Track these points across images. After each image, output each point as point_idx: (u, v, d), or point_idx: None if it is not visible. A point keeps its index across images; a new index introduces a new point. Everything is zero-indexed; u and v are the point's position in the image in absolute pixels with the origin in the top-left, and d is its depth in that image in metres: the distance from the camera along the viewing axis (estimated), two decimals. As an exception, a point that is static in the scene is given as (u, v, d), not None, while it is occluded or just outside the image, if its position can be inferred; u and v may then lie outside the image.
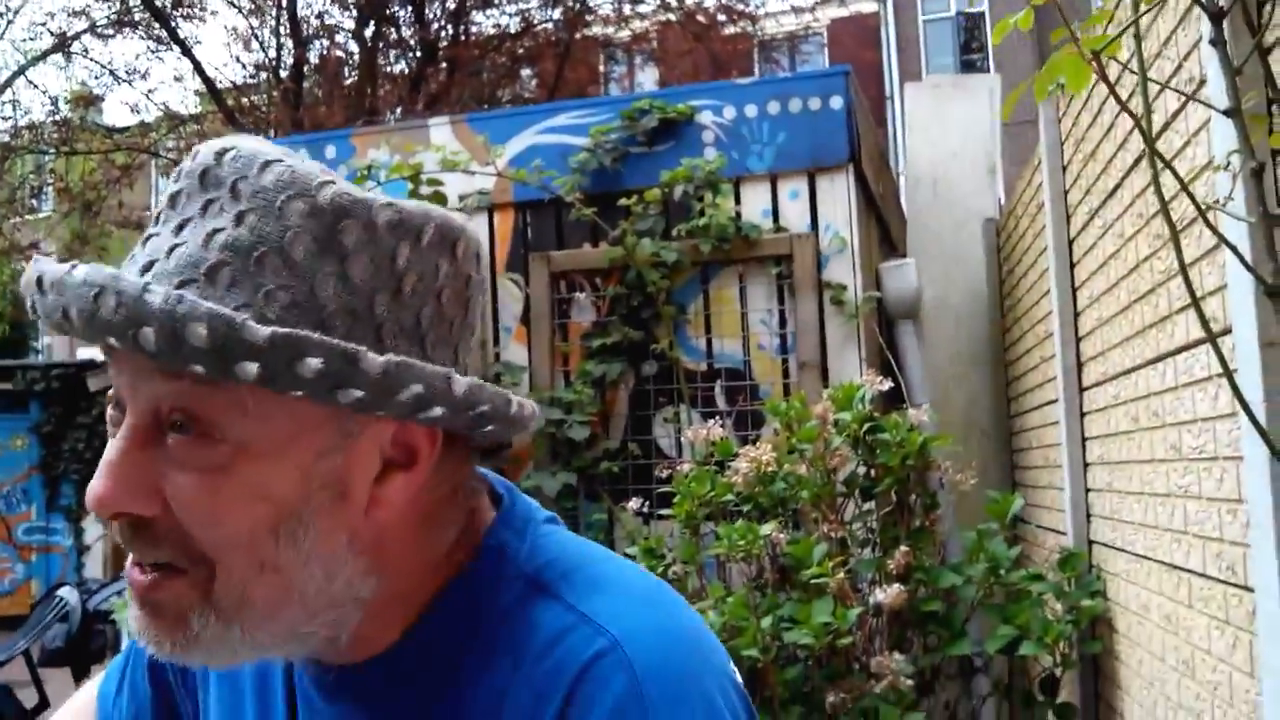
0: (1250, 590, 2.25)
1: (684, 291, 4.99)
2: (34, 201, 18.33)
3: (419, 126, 5.51)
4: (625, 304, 4.97)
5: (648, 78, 18.82)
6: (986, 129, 6.29)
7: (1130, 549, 3.29)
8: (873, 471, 3.80)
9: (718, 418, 4.24)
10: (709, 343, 4.98)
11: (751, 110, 4.98)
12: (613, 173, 4.99)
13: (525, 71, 15.93)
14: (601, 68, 18.84)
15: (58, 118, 15.77)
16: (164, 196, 0.91)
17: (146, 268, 0.86)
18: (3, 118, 16.29)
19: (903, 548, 3.61)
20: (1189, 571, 2.69)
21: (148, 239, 0.89)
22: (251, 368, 0.80)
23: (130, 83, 16.73)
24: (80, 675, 6.59)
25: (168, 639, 0.90)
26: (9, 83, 16.99)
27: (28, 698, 6.68)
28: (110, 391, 0.92)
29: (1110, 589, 3.64)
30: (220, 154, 0.89)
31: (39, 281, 0.85)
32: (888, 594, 3.44)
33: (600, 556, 1.02)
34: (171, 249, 0.86)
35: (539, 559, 0.99)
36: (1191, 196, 1.66)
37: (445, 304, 0.93)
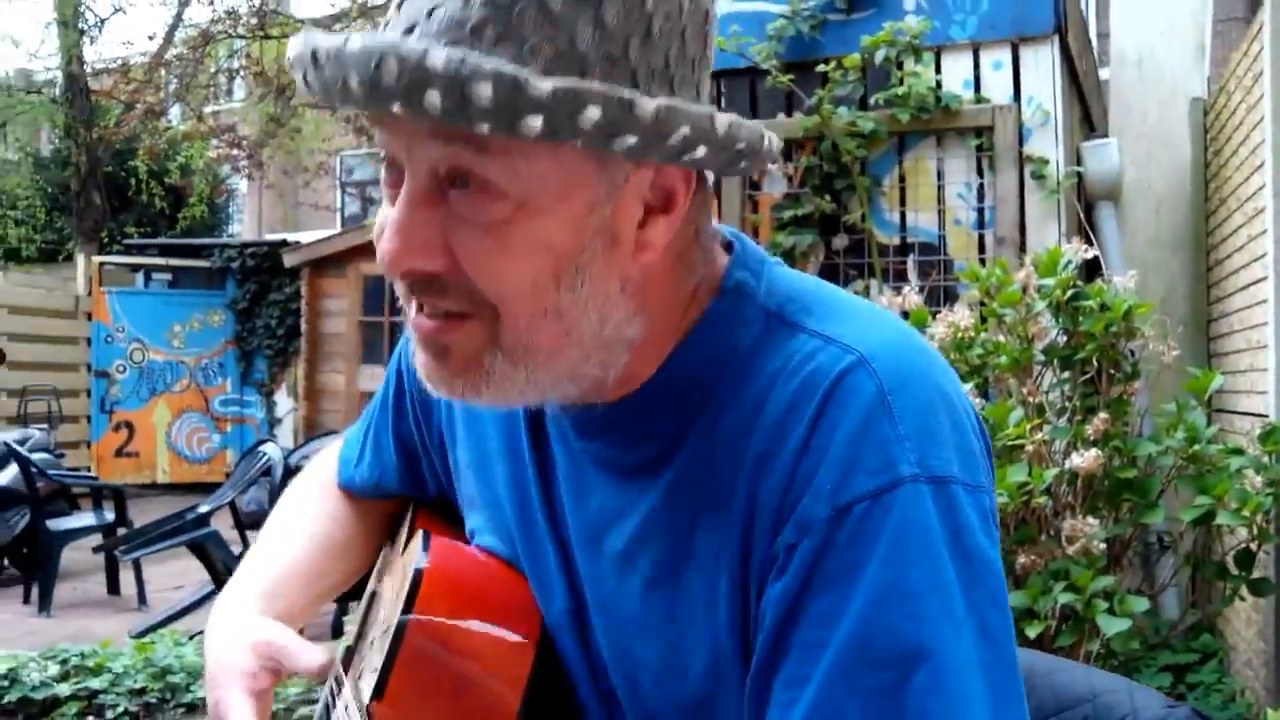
0: None
1: (879, 163, 4.95)
2: (234, 86, 18.94)
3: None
4: (818, 174, 4.95)
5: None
6: (1199, 5, 6.04)
7: (1343, 420, 3.21)
8: (1073, 340, 3.76)
9: (906, 289, 4.23)
10: (903, 216, 4.96)
11: (955, -22, 4.89)
12: (810, 40, 4.95)
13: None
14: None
15: (254, 4, 16.20)
16: None
17: (409, 30, 0.89)
18: (208, 4, 16.77)
19: (1101, 415, 3.57)
20: None
21: (400, 2, 0.92)
22: (535, 121, 0.83)
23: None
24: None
25: (459, 379, 0.97)
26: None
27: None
28: (382, 154, 0.96)
29: (1315, 463, 3.55)
30: None
31: (314, 55, 0.88)
32: (1084, 458, 3.43)
33: (831, 289, 1.07)
34: (430, 10, 0.88)
35: (777, 294, 1.05)
36: None
37: (688, 41, 0.95)
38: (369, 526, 1.46)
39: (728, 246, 1.09)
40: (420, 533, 1.22)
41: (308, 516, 1.43)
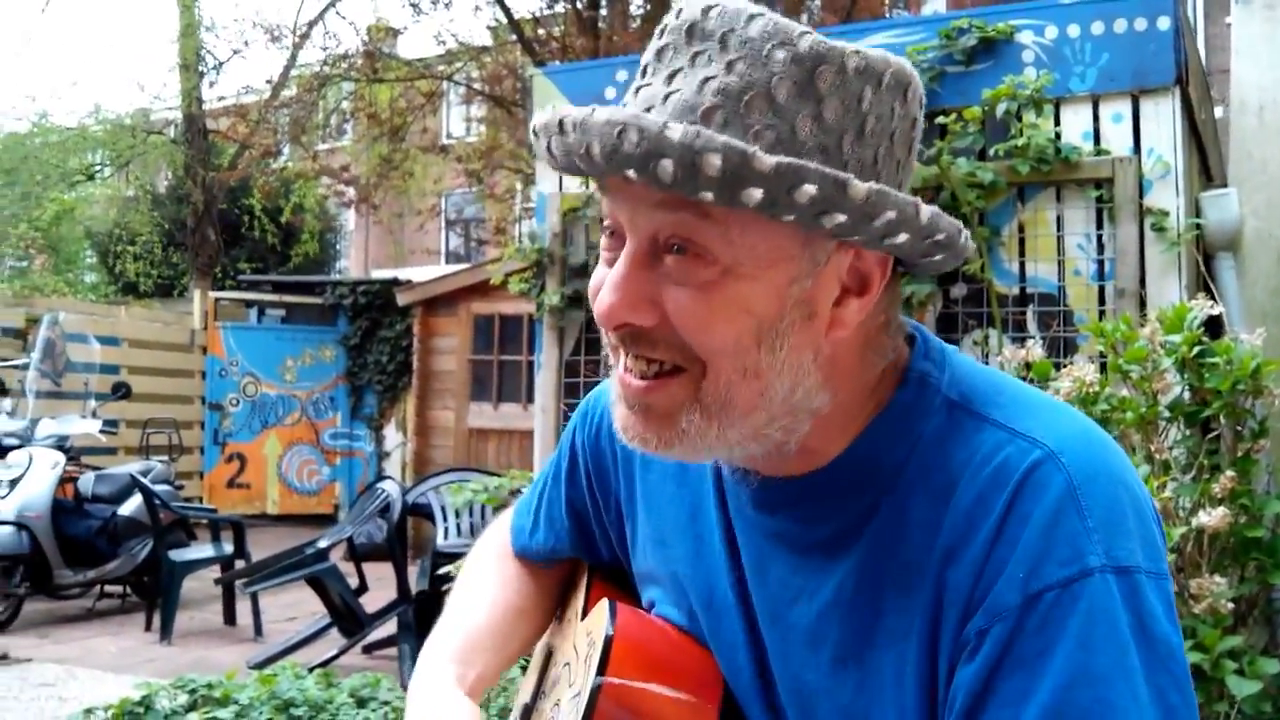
0: None
1: (998, 213, 4.96)
2: (347, 127, 19.39)
3: (735, 47, 5.60)
4: (936, 224, 4.96)
5: (939, 5, 18.41)
6: (1324, 53, 5.96)
7: None
8: (1198, 396, 3.74)
9: (1030, 342, 4.23)
10: (1022, 266, 4.95)
11: (1074, 30, 4.88)
12: (928, 92, 4.93)
13: (816, 2, 15.83)
14: (886, 1, 18.44)
15: (367, 47, 16.61)
16: (649, 52, 1.04)
17: (646, 110, 0.99)
18: (321, 48, 17.24)
19: (1229, 473, 3.55)
20: None
21: (638, 89, 1.02)
22: (756, 193, 0.92)
23: (430, 14, 17.43)
24: (399, 565, 7.08)
25: (655, 435, 1.06)
26: (322, 14, 17.99)
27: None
28: (605, 222, 1.06)
29: None
30: (706, 10, 1.00)
31: (560, 124, 0.98)
32: (1212, 516, 3.41)
33: (1012, 382, 1.13)
34: (666, 96, 0.98)
35: (960, 386, 1.11)
36: None
37: (896, 144, 1.04)
38: (545, 591, 1.54)
39: (909, 340, 1.16)
40: (606, 601, 1.28)
41: (490, 584, 1.51)
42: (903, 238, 1.00)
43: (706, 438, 1.05)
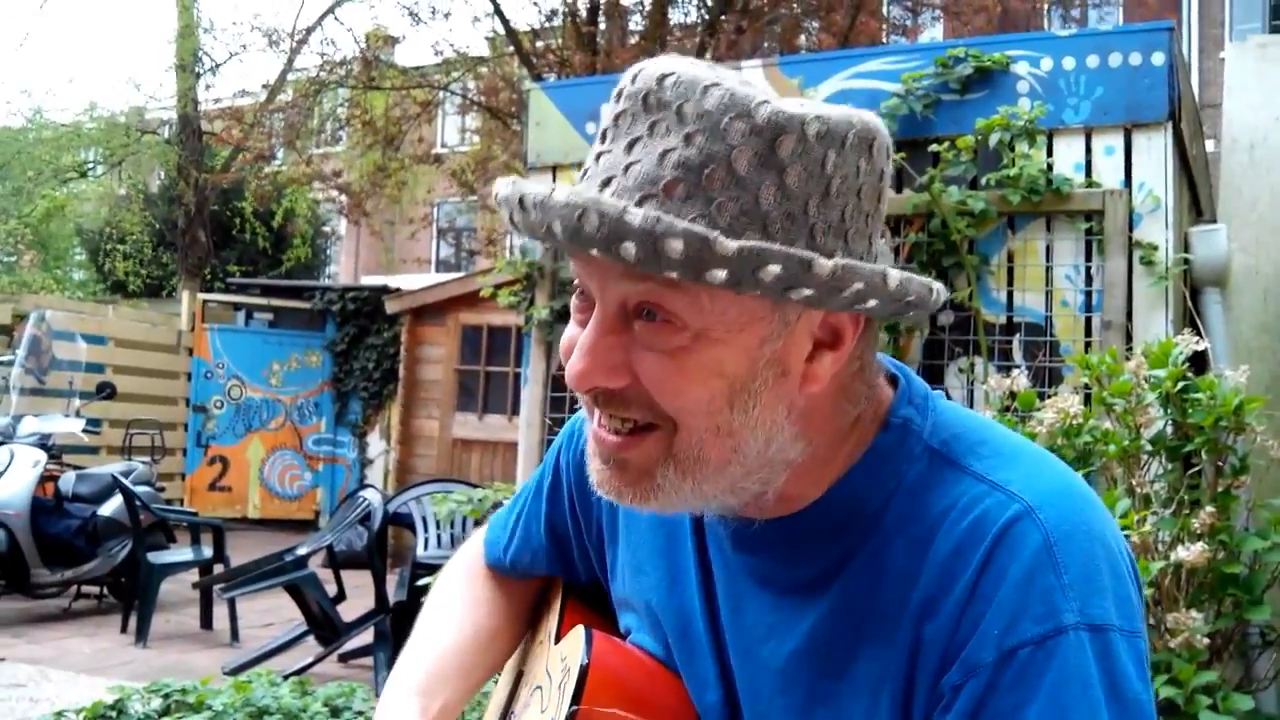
0: None
1: (988, 242, 4.97)
2: (341, 134, 19.38)
3: (732, 68, 5.61)
4: (925, 251, 4.98)
5: (935, 33, 18.49)
6: (1316, 93, 5.99)
7: None
8: (1181, 431, 3.75)
9: (1016, 371, 4.23)
10: (1010, 295, 4.96)
11: (1069, 63, 4.90)
12: (922, 119, 5.00)
13: (814, 24, 15.88)
14: (884, 27, 18.49)
15: (366, 54, 16.60)
16: (606, 116, 1.04)
17: (605, 183, 0.99)
18: (319, 54, 17.21)
19: (1209, 508, 3.56)
20: None
21: (599, 155, 1.02)
22: (720, 274, 0.92)
23: (429, 23, 17.45)
24: (378, 574, 7.06)
25: (630, 490, 1.07)
26: (321, 20, 18.00)
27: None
28: (575, 281, 1.07)
29: None
30: (661, 79, 1.00)
31: (521, 201, 0.99)
32: (1191, 551, 3.41)
33: (995, 430, 1.13)
34: (627, 167, 0.98)
35: (942, 434, 1.11)
36: None
37: (863, 198, 1.03)
38: (516, 611, 1.53)
39: (892, 380, 1.16)
40: (582, 628, 1.28)
41: (459, 608, 1.50)
42: (872, 303, 0.99)
43: (682, 492, 1.05)
